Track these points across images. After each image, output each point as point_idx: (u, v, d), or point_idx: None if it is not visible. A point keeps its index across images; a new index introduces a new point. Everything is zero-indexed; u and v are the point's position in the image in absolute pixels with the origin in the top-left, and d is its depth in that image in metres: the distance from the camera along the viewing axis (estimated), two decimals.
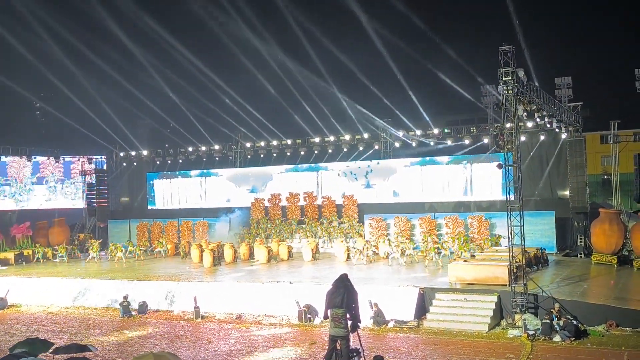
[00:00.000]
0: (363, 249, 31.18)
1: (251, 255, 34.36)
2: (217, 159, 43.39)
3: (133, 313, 24.84)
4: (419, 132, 36.98)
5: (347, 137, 39.09)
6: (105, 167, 46.67)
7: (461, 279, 23.02)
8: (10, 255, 37.23)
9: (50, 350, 15.09)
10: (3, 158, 43.03)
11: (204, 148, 43.33)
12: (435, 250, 29.78)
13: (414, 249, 31.48)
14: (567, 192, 32.73)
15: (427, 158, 36.92)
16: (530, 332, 18.99)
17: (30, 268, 34.58)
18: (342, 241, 33.88)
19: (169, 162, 44.65)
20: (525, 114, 24.92)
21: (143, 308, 25.06)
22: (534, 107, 25.14)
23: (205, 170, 43.92)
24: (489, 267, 23.20)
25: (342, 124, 40.54)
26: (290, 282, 25.05)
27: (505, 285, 21.59)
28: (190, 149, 43.63)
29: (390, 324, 21.21)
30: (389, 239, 32.44)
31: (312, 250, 32.94)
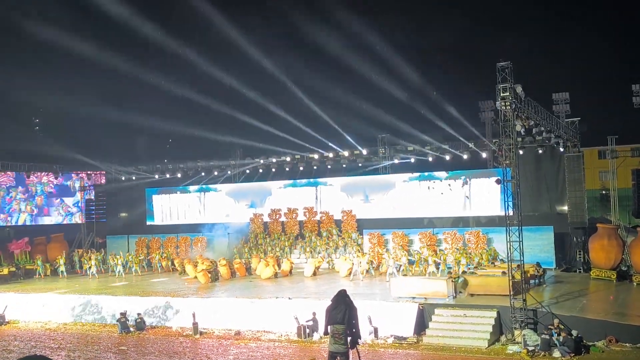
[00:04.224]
0: (361, 264, 31.12)
1: (249, 270, 34.32)
2: (216, 174, 43.44)
3: (131, 329, 24.74)
4: (417, 147, 37.13)
5: (346, 152, 39.19)
6: (104, 182, 46.70)
7: (407, 292, 23.68)
8: (5, 271, 36.46)
9: None
10: (2, 174, 43.10)
11: (203, 164, 43.45)
12: (435, 264, 29.79)
13: (410, 263, 31.48)
14: (565, 208, 32.76)
15: (426, 173, 36.95)
16: (530, 348, 18.96)
17: (28, 284, 34.41)
18: (344, 258, 33.77)
19: (168, 177, 44.67)
20: (523, 129, 25.05)
21: (141, 324, 24.97)
22: (532, 122, 25.29)
23: (204, 186, 43.92)
24: (430, 281, 24.56)
25: (341, 139, 40.64)
26: (289, 298, 25.00)
27: (445, 297, 22.78)
28: (189, 164, 43.73)
29: (390, 340, 21.18)
30: (388, 254, 32.37)
31: (316, 267, 32.88)
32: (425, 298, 23.00)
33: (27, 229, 43.65)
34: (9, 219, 44.01)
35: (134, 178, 45.72)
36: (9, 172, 43.72)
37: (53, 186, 45.56)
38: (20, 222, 44.45)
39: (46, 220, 45.30)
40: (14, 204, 44.12)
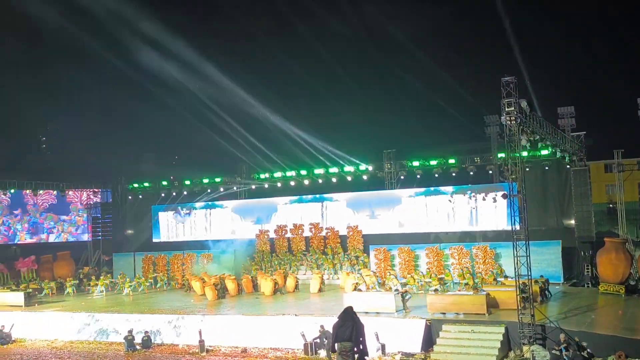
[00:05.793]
0: (368, 281, 31.00)
1: (255, 287, 34.20)
2: (222, 190, 43.51)
3: (137, 347, 24.66)
4: (423, 162, 37.12)
5: (351, 167, 39.20)
6: (110, 200, 46.83)
7: (359, 307, 23.29)
8: (19, 296, 32.33)
9: None
10: (10, 192, 43.35)
11: (208, 180, 43.54)
12: (440, 281, 29.68)
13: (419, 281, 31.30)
14: (572, 222, 32.59)
15: (432, 188, 36.90)
16: None
17: (35, 302, 34.24)
18: (347, 273, 33.67)
19: (174, 194, 44.76)
20: (529, 144, 24.99)
21: (147, 342, 24.90)
22: (537, 137, 25.23)
23: (210, 202, 43.96)
24: (379, 295, 25.30)
25: (347, 154, 40.66)
26: (295, 315, 24.88)
27: (394, 312, 23.35)
28: (195, 181, 43.83)
29: (397, 357, 21.05)
30: (394, 276, 32.19)
31: (319, 282, 32.80)
32: (377, 312, 23.52)
33: (34, 247, 43.80)
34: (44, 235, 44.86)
35: (140, 195, 45.88)
36: (50, 191, 44.49)
37: (93, 202, 46.32)
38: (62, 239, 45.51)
39: (85, 237, 45.96)
40: (50, 222, 44.94)
